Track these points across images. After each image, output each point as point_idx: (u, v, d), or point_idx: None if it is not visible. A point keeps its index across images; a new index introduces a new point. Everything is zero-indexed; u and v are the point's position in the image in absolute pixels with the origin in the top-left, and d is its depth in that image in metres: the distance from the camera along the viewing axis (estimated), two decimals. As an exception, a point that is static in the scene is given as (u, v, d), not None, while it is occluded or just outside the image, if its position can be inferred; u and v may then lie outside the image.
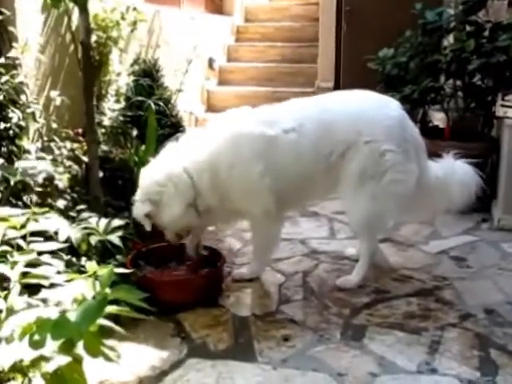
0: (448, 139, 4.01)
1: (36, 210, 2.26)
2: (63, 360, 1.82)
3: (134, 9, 4.20)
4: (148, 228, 2.69)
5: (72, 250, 2.66)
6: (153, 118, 3.29)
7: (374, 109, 2.74)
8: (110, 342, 1.99)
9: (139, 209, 2.67)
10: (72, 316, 1.61)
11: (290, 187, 2.69)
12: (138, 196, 2.69)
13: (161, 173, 2.65)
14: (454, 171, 2.89)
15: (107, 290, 1.74)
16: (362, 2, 6.26)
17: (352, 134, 2.64)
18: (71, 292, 1.78)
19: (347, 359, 2.20)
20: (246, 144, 2.62)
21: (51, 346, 1.67)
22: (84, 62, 2.96)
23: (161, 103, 3.72)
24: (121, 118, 3.89)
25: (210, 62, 6.77)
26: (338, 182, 2.69)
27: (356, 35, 6.05)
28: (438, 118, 4.57)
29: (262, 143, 2.62)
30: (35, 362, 1.79)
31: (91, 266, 1.91)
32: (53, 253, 2.51)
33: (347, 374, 2.09)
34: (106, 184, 3.37)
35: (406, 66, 4.06)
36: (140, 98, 3.62)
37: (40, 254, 2.47)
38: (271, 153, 2.62)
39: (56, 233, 2.62)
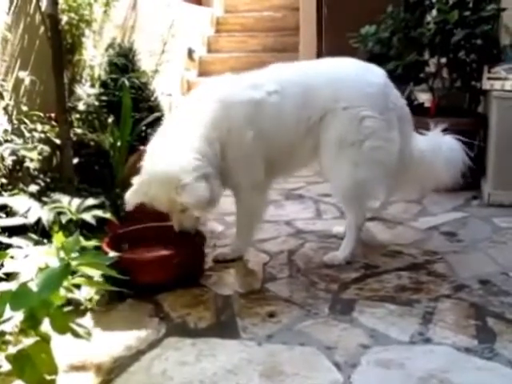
0: (434, 116, 3.91)
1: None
2: (29, 339, 1.69)
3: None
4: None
5: (44, 233, 2.52)
6: (127, 97, 3.13)
7: (356, 75, 2.67)
8: (84, 323, 1.87)
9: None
10: (33, 285, 1.47)
11: (276, 152, 2.60)
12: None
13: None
14: (440, 147, 2.81)
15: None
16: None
17: (329, 99, 2.57)
18: (35, 262, 1.64)
19: (336, 333, 2.07)
20: (238, 109, 2.52)
21: (12, 319, 1.53)
22: (52, 36, 2.80)
23: (136, 81, 3.56)
24: (96, 103, 3.73)
25: (190, 53, 6.64)
26: (318, 148, 2.62)
27: (338, 19, 5.91)
28: (424, 99, 4.49)
29: (252, 107, 2.53)
30: (-4, 341, 1.65)
31: (58, 236, 1.76)
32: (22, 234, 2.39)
33: (337, 347, 1.96)
34: (82, 170, 3.24)
35: (388, 42, 3.95)
36: (114, 76, 3.46)
37: (10, 235, 2.35)
38: (259, 117, 2.53)
39: (25, 216, 2.50)
